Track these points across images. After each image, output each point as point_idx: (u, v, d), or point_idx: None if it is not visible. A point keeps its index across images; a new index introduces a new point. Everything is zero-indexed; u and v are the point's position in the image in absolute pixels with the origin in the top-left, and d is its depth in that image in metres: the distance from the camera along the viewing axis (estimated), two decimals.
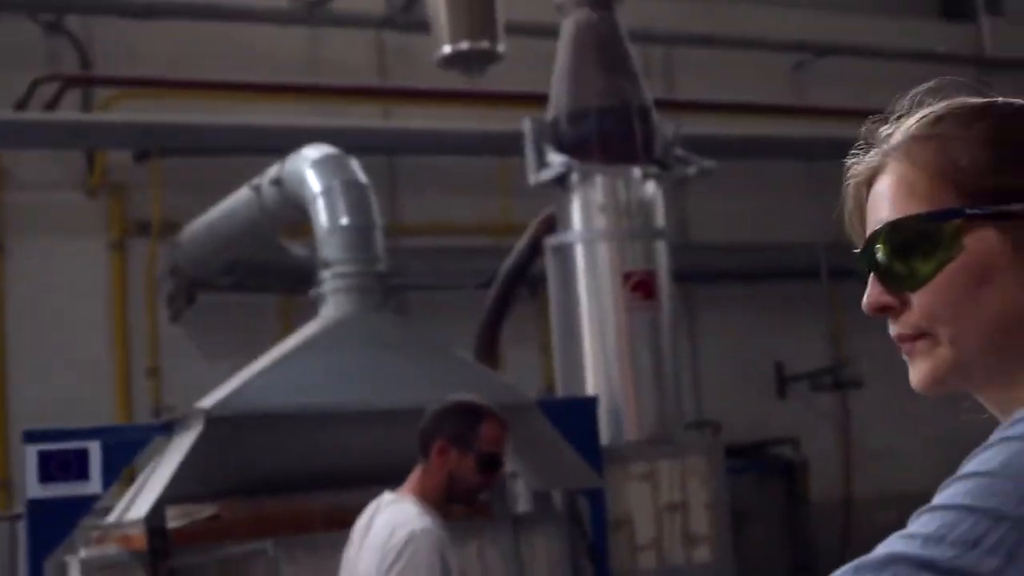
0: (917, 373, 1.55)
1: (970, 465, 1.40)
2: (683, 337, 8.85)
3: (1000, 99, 1.60)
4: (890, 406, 9.36)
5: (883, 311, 1.58)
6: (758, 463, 8.32)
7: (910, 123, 1.60)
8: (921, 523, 1.38)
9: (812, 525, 8.62)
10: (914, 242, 1.56)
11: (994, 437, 1.41)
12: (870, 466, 9.26)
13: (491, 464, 4.69)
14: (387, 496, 4.75)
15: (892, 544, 1.38)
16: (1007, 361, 1.53)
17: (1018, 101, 1.59)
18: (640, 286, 7.64)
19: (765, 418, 8.94)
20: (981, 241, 1.53)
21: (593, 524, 6.70)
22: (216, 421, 5.87)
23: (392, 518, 4.64)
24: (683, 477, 7.07)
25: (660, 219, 7.99)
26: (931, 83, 1.63)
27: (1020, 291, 1.52)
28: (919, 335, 1.56)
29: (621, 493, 6.90)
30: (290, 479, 6.13)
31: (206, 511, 6.09)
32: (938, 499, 1.40)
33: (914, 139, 1.57)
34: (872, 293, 1.59)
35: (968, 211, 1.52)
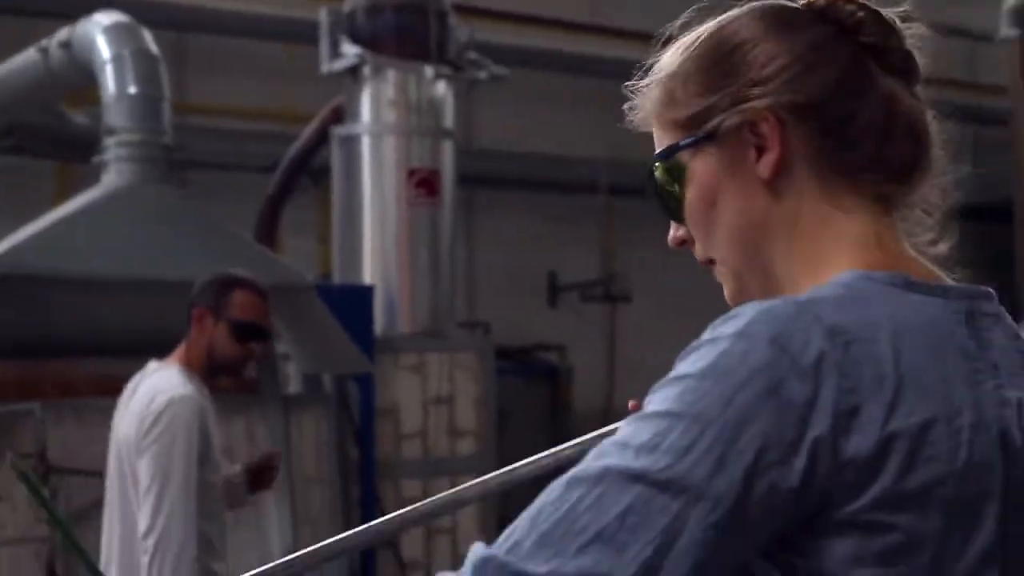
0: (725, 294, 1.62)
1: (680, 367, 1.42)
2: (460, 240, 8.95)
3: (709, 23, 1.62)
4: (654, 321, 9.66)
5: (683, 244, 1.65)
6: (525, 367, 8.50)
7: (659, 63, 1.64)
8: (633, 431, 1.39)
9: (573, 430, 8.85)
10: (665, 181, 1.62)
11: (704, 336, 1.42)
12: (632, 378, 9.52)
13: (245, 333, 4.73)
14: (152, 364, 4.78)
15: (606, 454, 1.39)
16: (763, 271, 1.57)
17: (713, 23, 1.62)
18: (424, 183, 7.72)
19: (535, 324, 9.12)
20: (701, 167, 1.58)
21: (361, 410, 6.80)
22: None
23: (155, 384, 4.67)
24: (452, 371, 7.20)
25: (448, 120, 8.07)
26: (685, 15, 1.66)
27: (743, 201, 1.56)
28: (710, 261, 1.62)
29: (390, 382, 7.00)
30: (60, 344, 6.07)
31: None
32: (650, 404, 1.40)
33: (656, 82, 1.62)
34: (672, 228, 1.66)
35: (681, 144, 1.59)
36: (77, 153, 8.53)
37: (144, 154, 6.57)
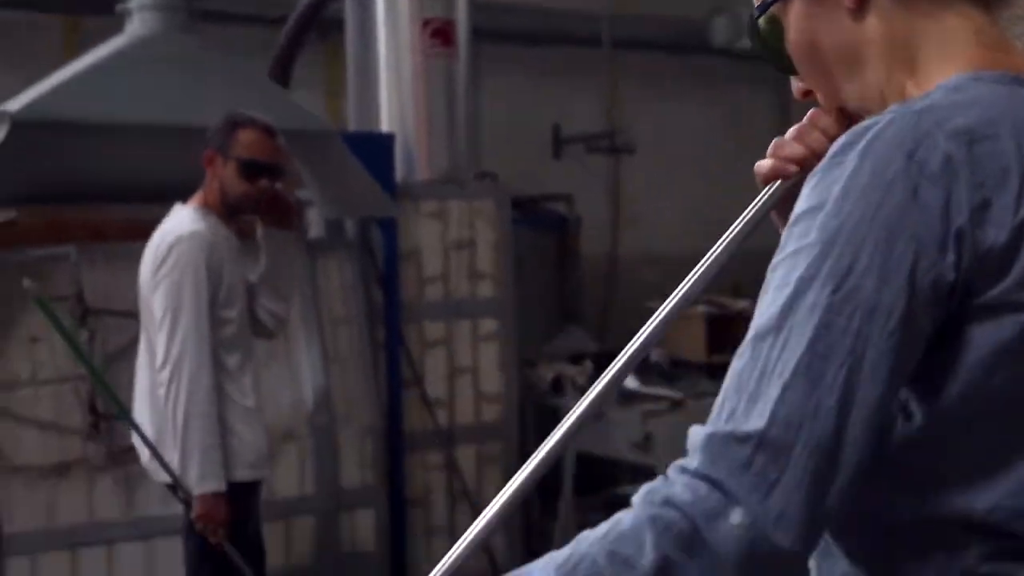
0: None
1: (808, 196, 1.50)
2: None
3: None
4: (657, 173, 9.80)
5: (807, 96, 1.76)
6: (534, 216, 8.62)
7: None
8: (788, 269, 1.47)
9: (581, 277, 9.02)
10: (767, 37, 1.73)
11: (825, 162, 1.51)
12: (635, 228, 9.67)
13: (252, 171, 4.89)
14: (176, 207, 4.96)
15: (773, 302, 1.47)
16: (875, 99, 1.66)
17: None
18: (438, 33, 7.76)
19: (541, 176, 9.23)
20: (793, 16, 1.68)
21: (385, 255, 6.93)
22: (20, 126, 5.84)
23: (167, 225, 4.92)
24: (471, 218, 7.33)
25: None
26: None
27: (836, 37, 1.65)
28: (837, 109, 1.71)
29: (412, 228, 7.12)
30: (90, 189, 6.16)
31: (3, 215, 6.09)
32: (792, 240, 1.49)
33: None
34: (793, 81, 1.77)
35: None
36: (87, 6, 8.55)
37: (166, 3, 6.61)
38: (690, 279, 1.69)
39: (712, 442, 1.44)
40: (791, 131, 1.75)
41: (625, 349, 1.67)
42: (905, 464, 1.50)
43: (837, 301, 1.43)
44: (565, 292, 8.93)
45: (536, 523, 7.96)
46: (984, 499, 1.50)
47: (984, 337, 1.47)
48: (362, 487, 6.66)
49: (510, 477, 6.54)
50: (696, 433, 1.47)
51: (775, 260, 1.51)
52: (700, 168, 9.88)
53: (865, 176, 1.46)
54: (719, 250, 1.70)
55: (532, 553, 7.80)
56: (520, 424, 7.52)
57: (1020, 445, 1.51)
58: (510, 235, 7.46)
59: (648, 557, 1.41)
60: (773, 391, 1.43)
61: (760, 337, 1.47)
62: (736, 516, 1.40)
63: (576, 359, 8.21)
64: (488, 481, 7.28)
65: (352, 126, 7.70)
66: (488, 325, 7.27)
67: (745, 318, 8.44)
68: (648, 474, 7.47)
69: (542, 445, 1.71)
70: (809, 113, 1.76)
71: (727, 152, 10.17)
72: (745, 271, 10.59)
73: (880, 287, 1.43)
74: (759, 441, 1.41)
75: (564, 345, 8.53)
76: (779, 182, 1.72)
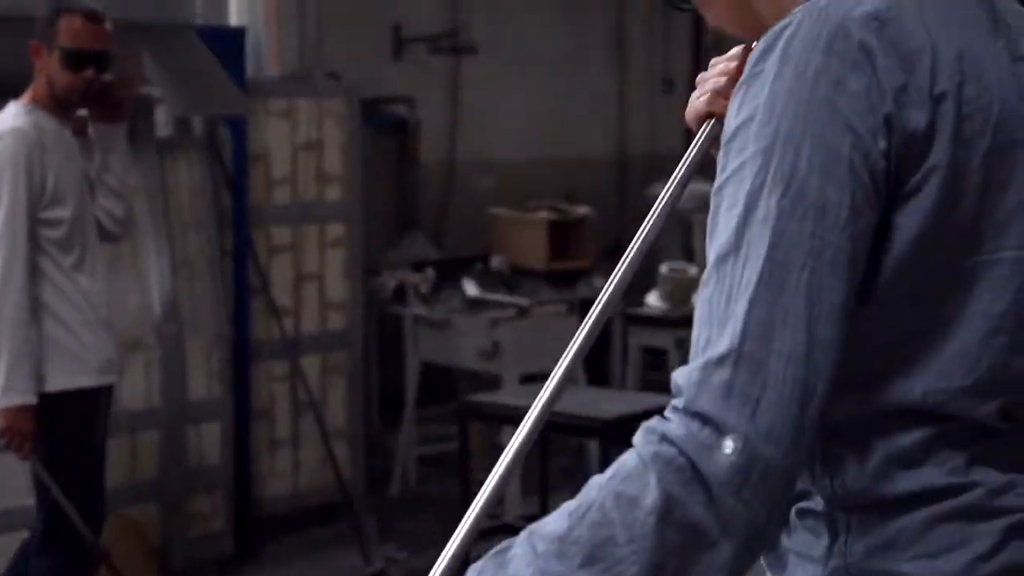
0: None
1: (737, 111, 1.51)
2: None
3: None
4: (499, 76, 9.62)
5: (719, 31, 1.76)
6: (374, 118, 8.37)
7: None
8: (735, 187, 1.47)
9: (420, 182, 8.83)
10: None
11: (746, 75, 1.52)
12: (475, 132, 9.48)
13: (77, 60, 4.68)
14: (9, 104, 4.78)
15: (727, 225, 1.47)
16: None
17: None
18: None
19: (380, 77, 8.97)
20: None
21: (234, 156, 6.63)
22: None
23: None
24: (321, 117, 7.07)
25: None
26: None
27: None
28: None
29: (260, 128, 6.83)
30: None
31: None
32: (731, 156, 1.49)
33: None
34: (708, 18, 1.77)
35: None
36: None
37: None
38: (644, 227, 1.67)
39: (693, 375, 1.43)
40: (714, 67, 1.77)
41: (606, 285, 1.66)
42: (844, 360, 1.49)
43: (787, 206, 1.43)
44: (405, 197, 8.73)
45: (378, 435, 7.82)
46: (918, 383, 1.52)
47: (909, 221, 1.48)
48: (209, 399, 6.41)
49: (355, 387, 6.42)
50: (679, 373, 1.46)
51: (718, 182, 1.51)
52: (542, 72, 9.74)
53: (788, 79, 1.46)
54: (666, 196, 1.69)
55: (373, 467, 7.66)
56: (364, 333, 7.34)
57: (944, 326, 1.53)
58: (358, 135, 7.24)
59: (652, 495, 1.41)
60: (740, 308, 1.43)
61: (721, 260, 1.46)
62: (728, 445, 1.40)
63: (418, 267, 8.05)
64: (333, 391, 7.09)
65: (199, 19, 7.33)
66: (335, 230, 7.04)
67: (587, 225, 8.36)
68: (493, 383, 7.40)
69: (525, 417, 1.60)
70: (731, 51, 1.78)
71: (569, 56, 10.05)
72: (578, 178, 10.37)
73: (824, 183, 1.43)
74: (735, 359, 1.42)
75: (407, 252, 8.36)
76: (712, 121, 1.72)
